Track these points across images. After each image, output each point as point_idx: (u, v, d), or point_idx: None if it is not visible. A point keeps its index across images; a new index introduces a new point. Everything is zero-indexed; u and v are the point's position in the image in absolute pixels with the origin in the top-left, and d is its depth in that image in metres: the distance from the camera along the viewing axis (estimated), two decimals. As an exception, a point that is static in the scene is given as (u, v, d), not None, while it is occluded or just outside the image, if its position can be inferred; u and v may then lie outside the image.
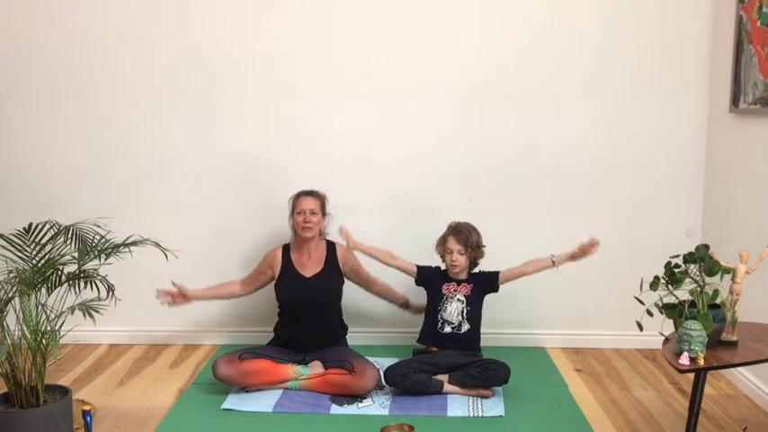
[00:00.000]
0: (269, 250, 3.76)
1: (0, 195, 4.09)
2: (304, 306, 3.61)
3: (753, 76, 3.44)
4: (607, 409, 3.33)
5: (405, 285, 3.86)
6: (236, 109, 4.01)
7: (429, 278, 3.69)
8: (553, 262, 3.59)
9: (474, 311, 3.62)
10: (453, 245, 3.60)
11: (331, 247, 3.73)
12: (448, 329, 3.59)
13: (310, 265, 3.66)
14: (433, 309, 3.64)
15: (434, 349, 3.61)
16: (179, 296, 3.62)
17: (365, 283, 3.82)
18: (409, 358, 3.58)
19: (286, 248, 3.73)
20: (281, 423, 3.17)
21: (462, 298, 3.61)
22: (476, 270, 3.70)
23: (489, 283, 3.67)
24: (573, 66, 3.94)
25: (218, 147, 4.05)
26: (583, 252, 3.54)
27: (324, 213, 3.67)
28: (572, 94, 3.96)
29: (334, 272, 3.69)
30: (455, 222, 3.66)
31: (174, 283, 3.60)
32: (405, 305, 3.90)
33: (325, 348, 3.62)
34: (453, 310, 3.60)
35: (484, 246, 3.65)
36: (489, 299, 3.71)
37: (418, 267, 3.70)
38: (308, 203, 3.62)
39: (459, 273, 3.64)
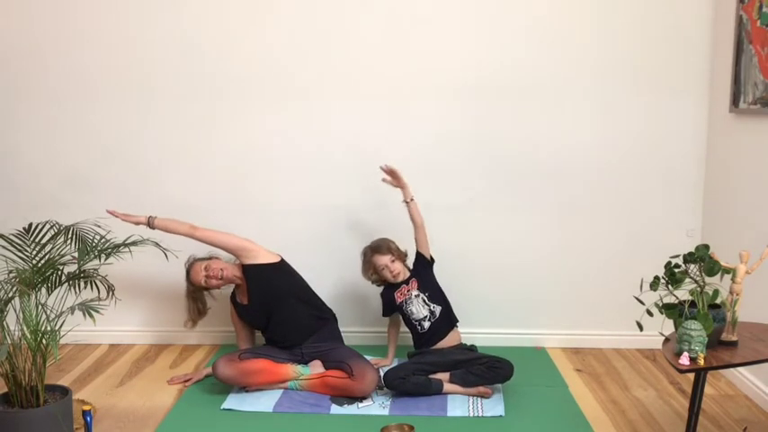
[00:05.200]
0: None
1: (0, 195, 4.09)
2: (265, 319, 3.67)
3: (753, 76, 3.44)
4: (607, 409, 3.33)
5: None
6: (237, 109, 4.01)
7: (389, 301, 3.72)
8: (406, 202, 3.66)
9: (433, 292, 3.66)
10: (381, 260, 3.65)
11: (243, 268, 3.68)
12: (427, 324, 3.61)
13: (244, 292, 3.70)
14: (405, 320, 3.69)
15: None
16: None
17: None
18: (406, 361, 3.58)
19: (232, 296, 3.81)
20: (281, 423, 3.17)
21: (417, 292, 3.64)
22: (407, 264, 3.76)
23: (422, 262, 3.71)
24: (573, 66, 3.94)
25: (218, 147, 4.05)
26: (394, 178, 3.63)
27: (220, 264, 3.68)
28: (572, 93, 3.96)
29: (258, 282, 3.64)
30: (366, 246, 3.73)
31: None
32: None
33: (317, 338, 3.64)
34: (418, 307, 3.63)
35: (405, 254, 3.74)
36: (489, 297, 3.72)
37: (384, 307, 3.76)
38: (205, 270, 3.62)
39: (401, 276, 3.67)
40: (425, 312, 3.61)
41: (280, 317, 3.63)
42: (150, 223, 3.59)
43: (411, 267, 3.74)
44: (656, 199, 4.04)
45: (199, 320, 3.76)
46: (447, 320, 3.63)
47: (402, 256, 3.71)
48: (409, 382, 3.38)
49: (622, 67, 3.93)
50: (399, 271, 3.65)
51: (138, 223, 3.58)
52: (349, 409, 3.30)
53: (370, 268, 3.69)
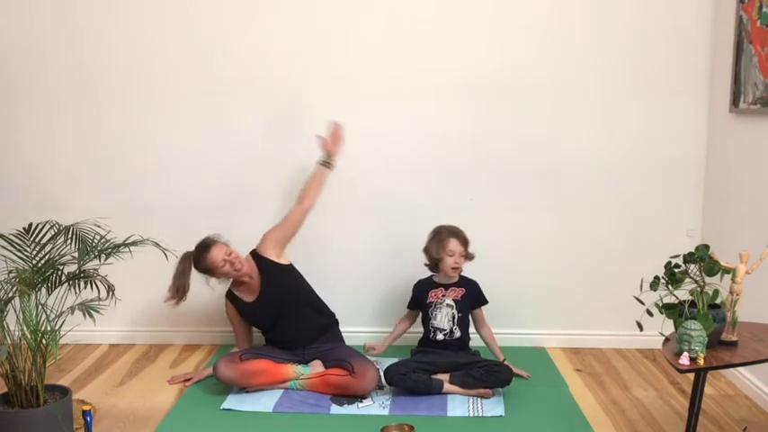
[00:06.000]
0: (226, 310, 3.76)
1: (0, 195, 4.09)
2: (271, 320, 3.64)
3: (753, 76, 3.44)
4: (607, 409, 3.33)
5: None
6: (237, 109, 4.01)
7: (418, 294, 3.70)
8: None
9: (464, 318, 3.63)
10: (456, 246, 3.57)
11: (257, 258, 3.64)
12: (440, 337, 3.59)
13: (252, 288, 3.64)
14: (425, 318, 3.67)
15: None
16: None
17: (293, 226, 3.70)
18: (409, 358, 3.58)
19: (229, 293, 3.71)
20: (281, 423, 3.17)
21: (452, 303, 3.61)
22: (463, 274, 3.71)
23: (479, 295, 3.69)
24: (573, 66, 3.94)
25: (218, 147, 4.05)
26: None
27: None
28: (572, 93, 3.96)
29: (272, 280, 3.62)
30: (443, 226, 3.63)
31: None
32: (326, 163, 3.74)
33: (320, 342, 3.63)
34: (443, 316, 3.60)
35: (472, 256, 3.68)
36: (489, 297, 3.71)
37: (411, 301, 3.74)
38: (220, 256, 3.49)
39: (456, 276, 3.63)
40: (446, 327, 3.59)
41: (289, 320, 3.61)
42: None
43: (468, 279, 3.68)
44: (656, 199, 4.04)
45: (180, 303, 3.52)
46: (460, 345, 3.61)
47: (469, 258, 3.64)
48: (410, 379, 3.38)
49: (622, 67, 3.93)
50: (461, 270, 3.61)
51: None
52: (349, 408, 3.30)
53: (441, 247, 3.56)
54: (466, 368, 3.45)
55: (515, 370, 3.53)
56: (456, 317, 3.60)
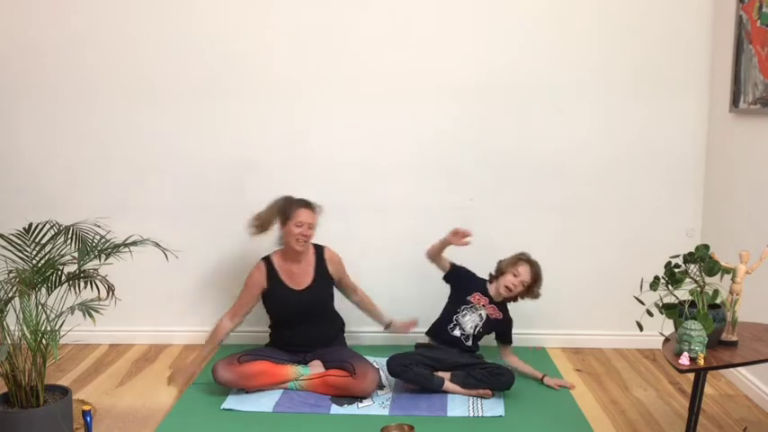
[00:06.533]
0: (250, 273, 3.64)
1: (0, 195, 4.09)
2: (297, 318, 3.60)
3: (753, 76, 3.44)
4: (607, 409, 3.33)
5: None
6: (237, 109, 4.01)
7: (462, 279, 3.67)
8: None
9: (481, 335, 3.62)
10: (525, 273, 3.56)
11: (319, 252, 3.67)
12: (457, 333, 3.58)
13: (300, 276, 3.60)
14: (452, 308, 3.63)
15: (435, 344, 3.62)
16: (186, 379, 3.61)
17: (347, 290, 3.78)
18: (413, 351, 3.57)
19: (268, 263, 3.63)
20: (281, 423, 3.17)
21: (484, 315, 3.60)
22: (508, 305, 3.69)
23: (507, 332, 3.69)
24: (573, 66, 3.94)
25: (218, 147, 4.05)
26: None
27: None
28: (572, 94, 3.96)
29: (324, 281, 3.65)
30: (529, 256, 3.61)
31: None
32: (387, 325, 3.86)
33: (323, 348, 3.62)
34: (470, 321, 3.59)
35: (539, 295, 3.64)
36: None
37: (452, 265, 3.67)
38: (309, 217, 3.53)
39: (502, 296, 3.60)
40: (467, 331, 3.58)
41: (311, 324, 3.60)
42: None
43: (507, 308, 3.68)
44: (656, 199, 4.04)
45: (257, 234, 3.56)
46: (467, 353, 3.59)
47: (524, 293, 3.60)
48: (412, 372, 3.38)
49: (622, 67, 3.93)
50: (512, 294, 3.58)
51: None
52: (349, 409, 3.30)
53: (512, 266, 3.56)
54: (468, 369, 3.45)
55: (559, 382, 3.56)
56: (479, 329, 3.60)
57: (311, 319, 3.60)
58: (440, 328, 3.62)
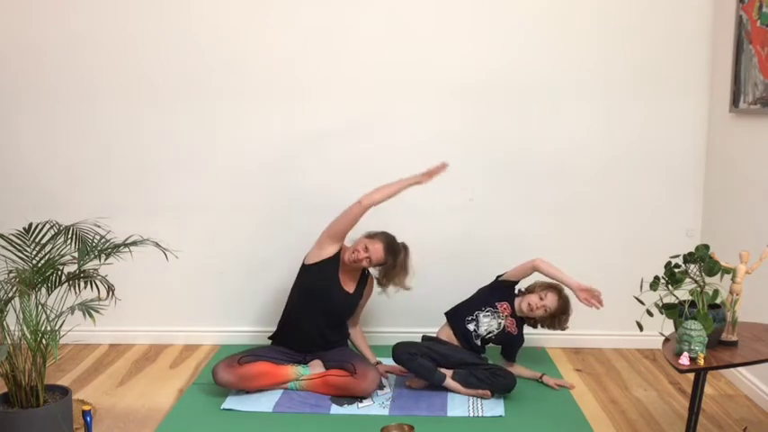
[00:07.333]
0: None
1: (0, 195, 4.09)
2: (318, 312, 3.58)
3: (753, 76, 3.44)
4: (607, 409, 3.33)
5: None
6: (237, 109, 4.01)
7: (509, 289, 3.66)
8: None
9: (491, 341, 3.62)
10: (552, 302, 3.53)
11: (366, 274, 3.69)
12: (471, 327, 3.58)
13: (347, 282, 3.63)
14: (478, 303, 3.62)
15: (443, 338, 3.62)
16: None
17: (352, 318, 3.75)
18: (420, 342, 3.57)
19: (334, 274, 3.63)
20: (281, 423, 3.17)
21: (502, 325, 3.60)
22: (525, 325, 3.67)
23: (514, 348, 3.68)
24: (573, 66, 3.94)
25: (218, 146, 4.05)
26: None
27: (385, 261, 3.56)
28: (572, 94, 3.96)
29: (358, 297, 3.67)
30: (562, 288, 3.56)
31: None
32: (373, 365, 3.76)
33: (326, 349, 3.62)
34: (488, 324, 3.59)
35: (565, 327, 3.62)
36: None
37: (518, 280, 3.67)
38: (365, 246, 3.52)
39: (523, 312, 3.59)
40: (481, 332, 3.58)
41: (326, 327, 3.60)
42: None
43: (523, 326, 3.66)
44: (656, 199, 4.04)
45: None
46: (473, 353, 3.59)
47: (549, 322, 3.58)
48: (416, 362, 3.39)
49: (622, 67, 3.93)
50: (533, 316, 3.57)
51: None
52: (349, 409, 3.30)
53: (542, 289, 3.56)
54: (471, 368, 3.46)
55: (558, 381, 3.56)
56: (491, 335, 3.60)
57: (328, 318, 3.59)
58: (458, 315, 3.63)
